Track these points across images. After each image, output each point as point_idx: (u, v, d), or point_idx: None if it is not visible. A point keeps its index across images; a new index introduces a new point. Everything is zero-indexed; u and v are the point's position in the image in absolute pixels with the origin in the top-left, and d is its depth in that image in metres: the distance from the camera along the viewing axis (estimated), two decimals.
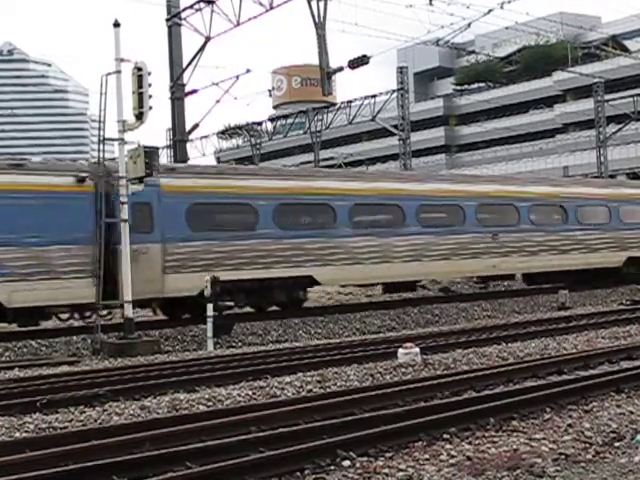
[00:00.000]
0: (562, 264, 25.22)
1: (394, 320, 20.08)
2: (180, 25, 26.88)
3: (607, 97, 45.42)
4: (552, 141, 70.68)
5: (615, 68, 60.44)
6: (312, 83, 76.54)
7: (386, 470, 6.40)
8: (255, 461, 6.44)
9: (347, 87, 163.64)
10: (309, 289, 21.25)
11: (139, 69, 15.84)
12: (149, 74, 15.86)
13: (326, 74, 24.37)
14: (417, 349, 12.29)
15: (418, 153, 63.04)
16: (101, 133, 16.33)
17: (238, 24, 25.41)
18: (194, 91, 28.37)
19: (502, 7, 28.50)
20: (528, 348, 13.50)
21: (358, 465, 6.58)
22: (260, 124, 51.54)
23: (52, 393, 10.00)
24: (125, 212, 15.98)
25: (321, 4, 23.64)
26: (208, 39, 26.35)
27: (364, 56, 26.76)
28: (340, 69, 25.81)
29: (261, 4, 24.90)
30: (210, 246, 18.62)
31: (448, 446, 7.07)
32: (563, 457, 6.62)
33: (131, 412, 9.00)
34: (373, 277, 22.25)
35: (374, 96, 40.58)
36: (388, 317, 20.28)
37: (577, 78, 59.14)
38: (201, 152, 47.66)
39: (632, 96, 45.06)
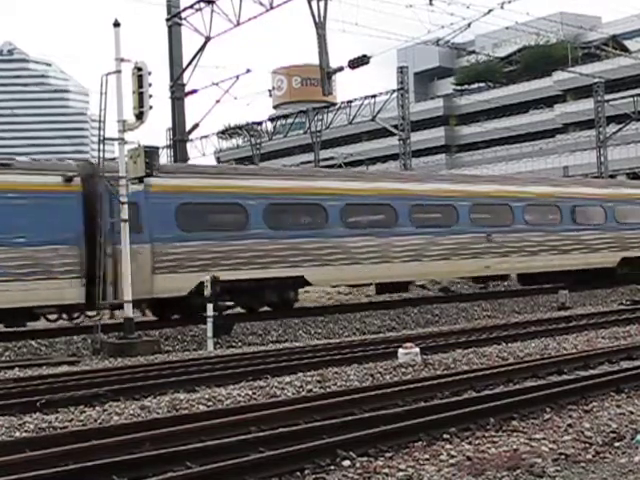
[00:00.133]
0: (557, 264, 25.07)
1: (394, 320, 20.08)
2: (180, 25, 26.88)
3: (607, 97, 45.40)
4: (552, 141, 70.68)
5: (615, 68, 60.42)
6: (312, 83, 76.57)
7: (386, 470, 6.39)
8: (255, 461, 6.44)
9: (347, 87, 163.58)
10: (309, 289, 21.23)
11: (139, 69, 15.84)
12: (149, 74, 15.86)
13: (326, 74, 24.36)
14: (417, 349, 12.29)
15: (418, 153, 63.02)
16: (101, 133, 16.32)
17: (238, 24, 25.41)
18: (194, 91, 28.37)
19: (502, 7, 28.51)
20: (528, 348, 13.50)
21: (358, 465, 6.57)
22: (260, 124, 51.54)
23: (52, 393, 10.00)
24: (125, 212, 15.97)
25: (321, 4, 23.64)
26: (208, 39, 26.34)
27: (364, 56, 26.73)
28: (340, 69, 25.79)
29: (261, 4, 24.91)
30: (199, 246, 18.46)
31: (448, 446, 7.07)
32: (563, 457, 6.62)
33: (131, 412, 8.99)
34: (365, 277, 22.11)
35: (374, 96, 40.58)
36: (388, 317, 20.27)
37: (577, 78, 59.14)
38: (201, 152, 47.72)
39: (632, 96, 45.05)
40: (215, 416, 8.18)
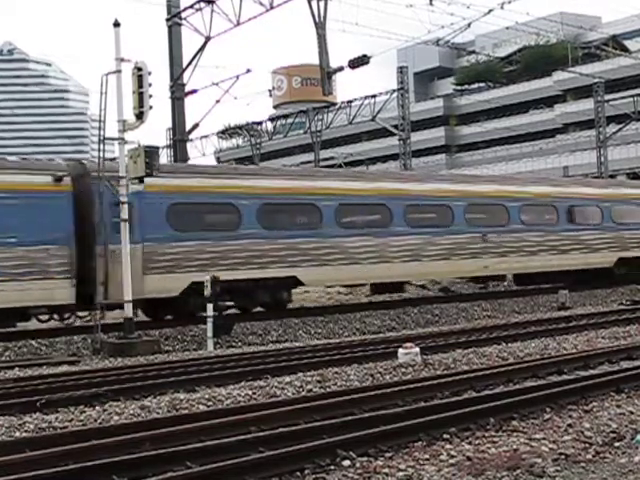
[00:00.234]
0: (554, 264, 24.99)
1: (394, 320, 20.07)
2: (180, 25, 26.89)
3: (607, 97, 45.39)
4: (552, 141, 70.67)
5: (615, 68, 60.43)
6: (312, 83, 76.55)
7: (386, 470, 6.39)
8: (255, 461, 6.43)
9: (347, 87, 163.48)
10: (309, 289, 21.19)
11: (139, 69, 15.84)
12: (149, 74, 15.86)
13: (326, 74, 24.35)
14: (417, 349, 12.29)
15: (418, 153, 63.02)
16: (101, 133, 16.31)
17: (238, 24, 25.42)
18: (194, 91, 28.37)
19: (502, 7, 28.48)
20: (528, 348, 13.50)
21: (358, 465, 6.57)
22: (260, 124, 51.54)
23: (52, 393, 10.00)
24: (125, 212, 15.96)
25: (321, 4, 23.64)
26: (208, 39, 26.35)
27: (364, 56, 26.73)
28: (340, 69, 25.79)
29: (261, 4, 24.91)
30: (191, 246, 18.34)
31: (448, 446, 7.07)
32: (563, 457, 6.62)
33: (131, 412, 8.99)
34: (359, 278, 22.01)
35: (374, 96, 40.57)
36: (388, 317, 20.27)
37: (577, 78, 59.13)
38: (201, 152, 47.67)
39: (632, 96, 45.04)
40: (215, 416, 8.18)
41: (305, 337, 18.04)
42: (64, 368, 13.49)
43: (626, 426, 7.60)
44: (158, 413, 8.98)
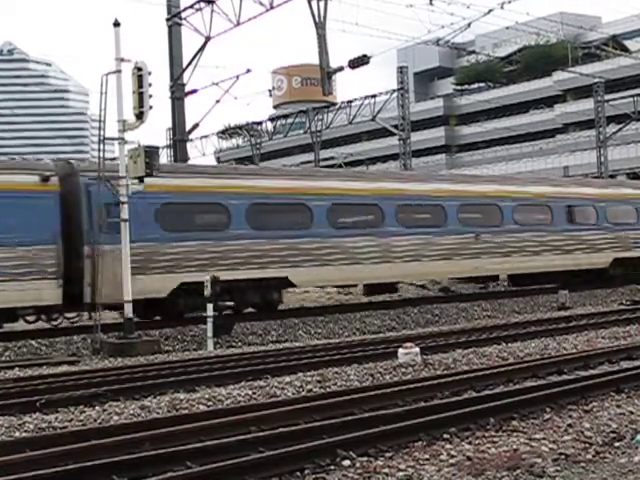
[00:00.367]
0: (550, 265, 24.89)
1: (394, 320, 20.07)
2: (180, 25, 26.90)
3: (607, 97, 45.42)
4: (552, 141, 70.69)
5: (615, 68, 60.44)
6: (312, 83, 76.57)
7: (386, 470, 6.39)
8: (255, 461, 6.43)
9: (347, 87, 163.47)
10: (309, 289, 21.16)
11: (139, 69, 15.84)
12: (149, 74, 15.86)
13: (326, 74, 24.36)
14: (417, 349, 12.29)
15: (418, 153, 63.03)
16: (101, 133, 16.31)
17: (238, 24, 25.43)
18: (194, 91, 28.39)
19: (502, 7, 28.52)
20: (528, 348, 13.49)
21: (358, 465, 6.57)
22: (260, 124, 51.57)
23: (52, 393, 10.00)
24: (125, 211, 15.95)
25: (321, 4, 23.66)
26: (208, 39, 26.36)
27: (364, 56, 26.74)
28: (340, 69, 25.80)
29: (261, 4, 24.92)
30: (181, 247, 18.21)
31: (448, 446, 7.07)
32: (563, 457, 6.62)
33: (131, 412, 8.99)
34: (351, 278, 21.91)
35: (374, 96, 40.59)
36: (388, 317, 20.26)
37: (577, 78, 59.16)
38: (201, 152, 47.72)
39: (632, 96, 45.07)
40: (215, 416, 8.18)
41: (305, 337, 18.04)
42: (64, 368, 13.49)
43: (626, 426, 7.60)
44: (158, 413, 8.97)
